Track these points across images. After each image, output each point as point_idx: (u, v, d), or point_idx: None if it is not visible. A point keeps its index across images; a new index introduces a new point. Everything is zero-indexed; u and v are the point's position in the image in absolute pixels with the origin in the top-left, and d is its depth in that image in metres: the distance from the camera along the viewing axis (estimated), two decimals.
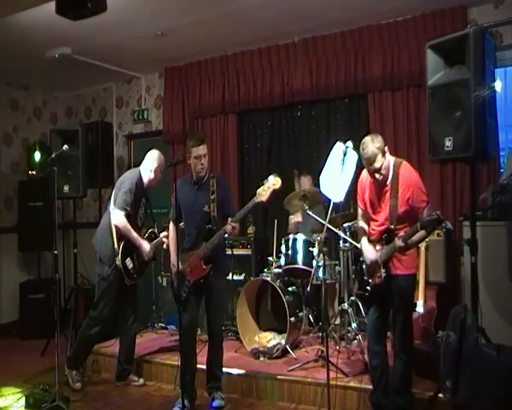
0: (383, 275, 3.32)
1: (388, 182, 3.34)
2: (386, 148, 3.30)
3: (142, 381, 4.56)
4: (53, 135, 5.74)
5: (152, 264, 5.21)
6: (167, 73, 6.51)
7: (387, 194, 3.34)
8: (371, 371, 3.55)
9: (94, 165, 6.02)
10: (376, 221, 3.45)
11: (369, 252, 3.42)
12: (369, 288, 3.44)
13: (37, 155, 6.70)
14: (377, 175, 3.30)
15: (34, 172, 6.67)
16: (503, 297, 3.94)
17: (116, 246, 4.26)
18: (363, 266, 3.50)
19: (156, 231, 4.55)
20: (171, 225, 4.10)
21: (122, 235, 4.27)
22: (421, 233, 3.19)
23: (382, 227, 3.38)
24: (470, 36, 3.24)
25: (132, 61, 6.29)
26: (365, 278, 3.48)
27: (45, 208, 6.37)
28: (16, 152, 6.91)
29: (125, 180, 4.35)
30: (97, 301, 4.39)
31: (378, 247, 3.37)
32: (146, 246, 4.38)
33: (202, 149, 3.89)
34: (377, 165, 3.25)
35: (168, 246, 4.41)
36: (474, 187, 3.56)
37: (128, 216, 4.26)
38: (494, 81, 3.34)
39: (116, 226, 4.26)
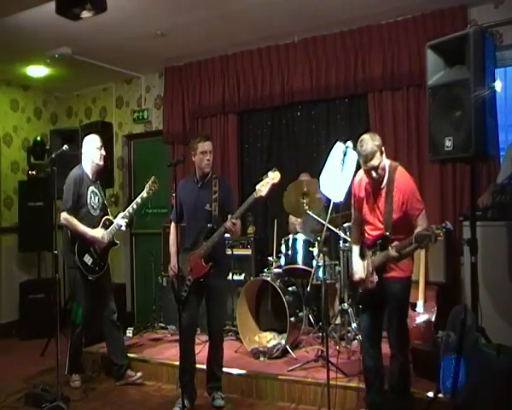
0: (375, 281, 3.33)
1: (383, 186, 3.33)
2: (383, 148, 3.29)
3: (139, 374, 4.55)
4: (53, 135, 5.73)
5: (152, 256, 5.21)
6: (167, 73, 6.51)
7: (382, 198, 3.32)
8: (365, 372, 3.54)
9: None
10: (371, 225, 3.44)
11: (359, 268, 3.44)
12: (360, 290, 3.46)
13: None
14: (374, 174, 3.27)
15: (34, 172, 6.67)
16: (503, 297, 3.94)
17: (72, 248, 4.31)
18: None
19: (111, 217, 4.55)
20: (172, 226, 4.10)
21: (74, 234, 4.31)
22: (415, 245, 3.17)
23: (377, 232, 3.37)
24: (470, 36, 3.25)
25: (132, 61, 6.28)
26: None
27: (45, 208, 6.37)
28: (16, 152, 6.91)
29: (66, 180, 4.41)
30: (72, 304, 4.52)
31: (370, 253, 3.37)
32: (97, 234, 4.37)
33: (208, 145, 3.94)
34: (375, 162, 3.23)
35: (128, 225, 4.54)
36: (474, 187, 3.57)
37: (77, 211, 4.32)
38: (494, 81, 3.34)
39: (65, 226, 4.33)
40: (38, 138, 6.71)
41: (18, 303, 6.50)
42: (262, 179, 3.77)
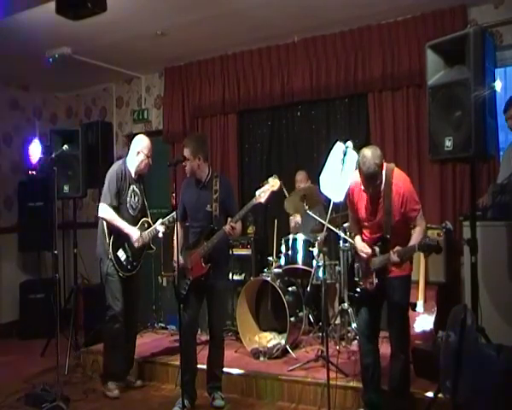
0: (375, 282, 3.34)
1: (382, 190, 3.32)
2: (383, 162, 3.27)
3: (139, 382, 4.51)
4: (53, 135, 5.74)
5: (152, 256, 5.20)
6: (167, 72, 6.51)
7: (381, 202, 3.32)
8: (363, 370, 3.54)
9: (94, 165, 6.00)
10: (369, 228, 3.44)
11: (364, 247, 3.42)
12: (358, 290, 3.46)
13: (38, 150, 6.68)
14: (371, 190, 3.29)
15: (34, 172, 6.67)
16: (503, 297, 3.93)
17: (107, 240, 4.25)
18: (355, 267, 3.52)
19: (150, 220, 4.49)
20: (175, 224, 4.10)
21: (112, 228, 4.25)
22: (415, 247, 3.18)
23: (375, 235, 3.39)
24: (470, 36, 3.24)
25: (132, 61, 6.29)
26: (356, 279, 3.50)
27: (45, 208, 6.38)
28: (16, 152, 6.92)
29: (108, 173, 4.34)
30: (108, 299, 4.31)
31: (375, 248, 3.37)
32: (134, 232, 4.29)
33: (184, 152, 3.93)
34: (376, 182, 3.25)
35: (164, 234, 4.40)
36: (474, 187, 3.56)
37: (117, 207, 4.24)
38: (494, 81, 3.34)
39: (103, 218, 4.26)
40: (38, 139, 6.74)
41: (18, 303, 6.50)
42: (262, 185, 3.78)
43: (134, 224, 4.34)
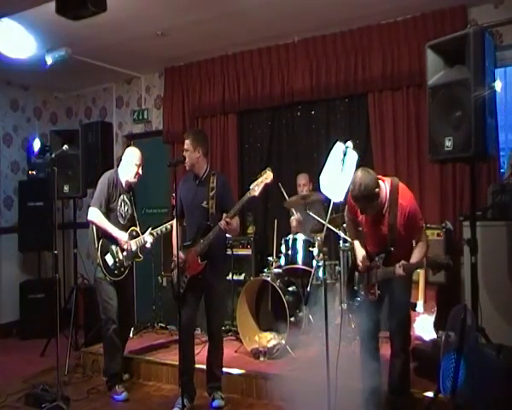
0: (377, 293, 3.34)
1: (385, 210, 3.31)
2: (377, 189, 3.22)
3: (126, 376, 4.57)
4: (53, 135, 5.74)
5: (152, 255, 5.20)
6: (167, 73, 6.51)
7: (386, 219, 3.31)
8: (364, 370, 3.54)
9: (94, 165, 6.00)
10: (373, 241, 3.45)
11: (364, 258, 3.43)
12: (358, 298, 3.46)
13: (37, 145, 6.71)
14: (362, 209, 3.30)
15: (34, 172, 6.67)
16: (503, 297, 3.93)
17: (96, 245, 4.30)
18: (355, 276, 3.51)
19: (139, 230, 4.53)
20: (174, 222, 4.11)
21: (100, 231, 4.30)
22: (422, 263, 3.20)
23: (379, 247, 3.39)
24: (470, 36, 3.24)
25: (132, 61, 6.28)
26: (355, 288, 3.50)
27: (45, 208, 6.38)
28: (16, 152, 6.92)
29: (100, 180, 4.40)
30: (100, 302, 4.36)
31: (377, 259, 3.38)
32: (122, 235, 4.34)
33: (185, 144, 3.96)
34: (367, 205, 3.25)
35: (152, 245, 4.49)
36: (473, 187, 3.56)
37: (105, 213, 4.29)
38: (494, 81, 3.34)
39: (92, 222, 4.30)
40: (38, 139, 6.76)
41: (18, 303, 6.50)
42: (256, 179, 3.79)
43: (124, 232, 4.40)
